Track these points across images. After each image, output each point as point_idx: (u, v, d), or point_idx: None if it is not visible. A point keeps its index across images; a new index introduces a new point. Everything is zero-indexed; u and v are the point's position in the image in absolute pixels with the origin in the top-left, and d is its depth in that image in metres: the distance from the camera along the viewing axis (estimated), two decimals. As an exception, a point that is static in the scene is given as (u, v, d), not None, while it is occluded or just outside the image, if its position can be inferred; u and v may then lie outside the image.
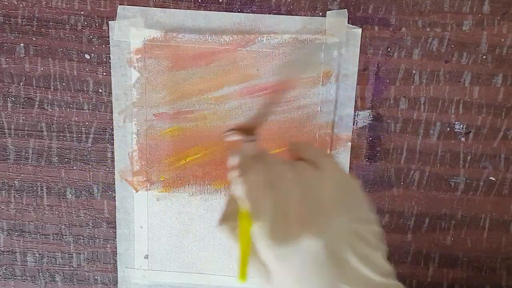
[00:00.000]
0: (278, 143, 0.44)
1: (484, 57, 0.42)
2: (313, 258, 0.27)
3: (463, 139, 0.43)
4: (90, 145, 0.45)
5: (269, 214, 0.27)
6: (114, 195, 0.45)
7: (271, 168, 0.30)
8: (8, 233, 0.47)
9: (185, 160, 0.44)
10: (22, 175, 0.46)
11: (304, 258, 0.27)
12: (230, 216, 0.31)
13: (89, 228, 0.46)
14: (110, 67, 0.43)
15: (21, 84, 0.44)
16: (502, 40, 0.41)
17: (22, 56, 0.43)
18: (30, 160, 0.45)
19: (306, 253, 0.27)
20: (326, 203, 0.28)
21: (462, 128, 0.43)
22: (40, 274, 0.48)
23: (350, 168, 0.44)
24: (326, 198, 0.28)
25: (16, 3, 0.42)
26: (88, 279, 0.48)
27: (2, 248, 0.47)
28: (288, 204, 0.28)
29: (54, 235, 0.47)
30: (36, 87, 0.44)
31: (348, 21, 0.41)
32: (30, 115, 0.44)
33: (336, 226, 0.27)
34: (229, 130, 0.36)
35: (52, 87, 0.44)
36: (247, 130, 0.36)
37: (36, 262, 0.47)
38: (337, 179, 0.29)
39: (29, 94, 0.44)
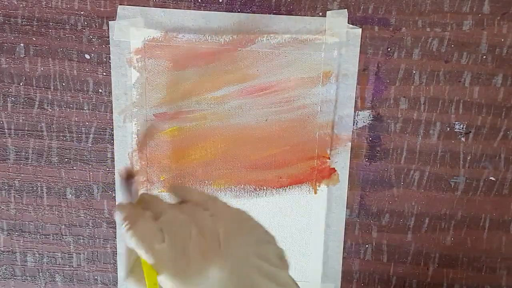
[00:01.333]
0: (278, 143, 0.44)
1: (484, 57, 0.42)
2: (221, 283, 0.27)
3: (463, 139, 0.43)
4: (90, 145, 0.45)
5: (168, 258, 0.28)
6: (114, 195, 0.45)
7: (159, 213, 0.30)
8: (8, 233, 0.47)
9: (185, 160, 0.44)
10: (22, 175, 0.46)
11: (212, 286, 0.27)
12: (134, 268, 0.31)
13: (89, 228, 0.46)
14: (110, 67, 0.43)
15: (21, 84, 0.44)
16: (502, 40, 0.41)
17: (22, 56, 0.43)
18: (30, 160, 0.45)
19: (212, 284, 0.27)
20: (222, 234, 0.29)
21: (462, 128, 0.43)
22: (40, 274, 0.48)
23: (350, 168, 0.44)
24: (221, 231, 0.29)
25: (16, 3, 0.42)
26: (88, 279, 0.48)
27: (2, 248, 0.47)
28: (185, 243, 0.28)
29: (54, 235, 0.47)
30: (36, 87, 0.44)
31: (348, 21, 0.41)
32: (30, 115, 0.44)
33: (237, 252, 0.28)
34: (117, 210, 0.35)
35: (52, 87, 0.44)
36: (127, 177, 0.36)
37: (36, 262, 0.47)
38: (227, 212, 0.31)
39: (29, 94, 0.44)
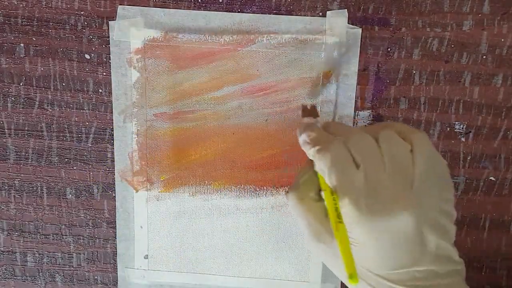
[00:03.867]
0: (278, 143, 0.44)
1: (484, 57, 0.42)
2: (402, 234, 0.26)
3: (463, 139, 0.43)
4: (90, 145, 0.45)
5: (359, 189, 0.26)
6: (114, 195, 0.45)
7: (354, 140, 0.28)
8: (8, 233, 0.47)
9: (185, 160, 0.44)
10: (22, 175, 0.46)
11: (393, 233, 0.26)
12: (301, 186, 0.29)
13: (89, 228, 0.46)
14: (110, 67, 0.43)
15: (21, 84, 0.44)
16: (502, 40, 0.41)
17: (22, 56, 0.43)
18: (30, 160, 0.45)
19: (395, 228, 0.26)
20: (417, 179, 0.27)
21: (462, 128, 0.43)
22: (40, 274, 0.48)
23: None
24: (417, 175, 0.27)
25: (16, 3, 0.42)
26: (88, 279, 0.48)
27: (2, 248, 0.47)
28: (378, 178, 0.27)
29: (54, 235, 0.47)
30: (36, 87, 0.44)
31: (348, 21, 0.41)
32: (30, 115, 0.44)
33: (426, 202, 0.27)
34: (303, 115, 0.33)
35: (52, 87, 0.44)
36: (307, 112, 0.35)
37: (36, 262, 0.47)
38: (428, 155, 0.28)
39: (29, 94, 0.44)
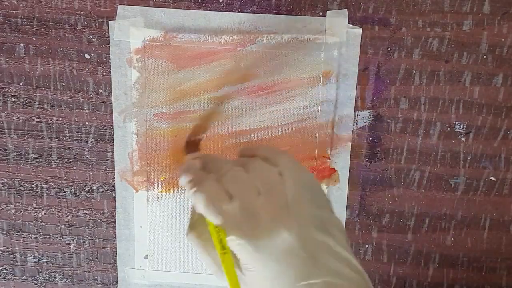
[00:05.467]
0: (277, 143, 0.44)
1: (484, 57, 0.42)
2: (288, 251, 0.27)
3: (463, 139, 0.43)
4: (90, 145, 0.45)
5: (237, 219, 0.28)
6: (114, 195, 0.45)
7: (225, 173, 0.30)
8: (8, 233, 0.47)
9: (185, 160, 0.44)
10: (22, 175, 0.46)
11: (279, 252, 0.27)
12: (196, 224, 0.31)
13: (89, 228, 0.46)
14: (110, 67, 0.43)
15: (21, 84, 0.44)
16: (503, 40, 0.41)
17: (22, 56, 0.43)
18: (30, 160, 0.45)
19: (280, 247, 0.27)
20: (290, 196, 0.28)
21: (462, 128, 0.43)
22: (40, 274, 0.48)
23: (350, 168, 0.44)
24: (289, 192, 0.28)
25: (16, 3, 0.42)
26: (88, 279, 0.48)
27: (2, 248, 0.47)
28: (252, 202, 0.28)
29: (54, 235, 0.47)
30: (36, 87, 0.44)
31: (348, 21, 0.41)
32: (30, 115, 0.44)
33: (304, 216, 0.28)
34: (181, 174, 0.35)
35: (52, 87, 0.44)
36: (190, 146, 0.36)
37: (36, 262, 0.47)
38: (295, 171, 0.30)
39: (29, 94, 0.44)
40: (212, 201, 0.29)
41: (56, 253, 0.47)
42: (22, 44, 0.43)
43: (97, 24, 0.42)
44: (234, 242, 0.28)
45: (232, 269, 0.28)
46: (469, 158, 0.44)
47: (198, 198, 0.29)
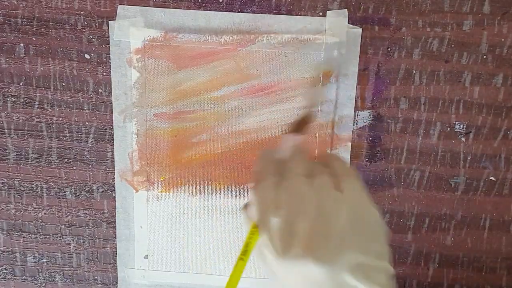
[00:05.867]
0: (277, 143, 0.44)
1: (484, 57, 0.42)
2: (314, 282, 0.26)
3: (463, 139, 0.43)
4: (90, 145, 0.45)
5: (275, 231, 0.27)
6: (114, 195, 0.45)
7: (289, 180, 0.29)
8: (8, 233, 0.47)
9: (185, 160, 0.44)
10: (22, 175, 0.46)
11: (306, 279, 0.26)
12: (249, 207, 0.30)
13: (89, 228, 0.46)
14: (110, 67, 0.43)
15: (21, 84, 0.44)
16: (503, 40, 0.41)
17: (22, 56, 0.43)
18: (30, 160, 0.45)
19: (308, 275, 0.26)
20: (338, 229, 0.26)
21: (462, 128, 0.43)
22: (40, 274, 0.48)
23: (350, 168, 0.44)
24: (339, 224, 0.27)
25: (16, 3, 0.42)
26: (88, 279, 0.48)
27: (2, 248, 0.47)
28: (297, 222, 0.27)
29: (54, 235, 0.47)
30: (36, 87, 0.44)
31: (348, 21, 0.41)
32: (30, 115, 0.44)
33: (343, 258, 0.26)
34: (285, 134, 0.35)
35: (52, 87, 0.44)
36: (297, 126, 0.36)
37: (36, 262, 0.47)
38: (356, 204, 0.28)
39: (29, 94, 0.44)
40: (263, 204, 0.28)
41: (56, 253, 0.47)
42: (22, 44, 0.43)
43: (97, 24, 0.42)
44: (267, 250, 0.27)
45: (238, 277, 0.27)
46: (469, 158, 0.44)
47: (253, 192, 0.29)
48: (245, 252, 0.28)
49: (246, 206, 0.30)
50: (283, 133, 0.40)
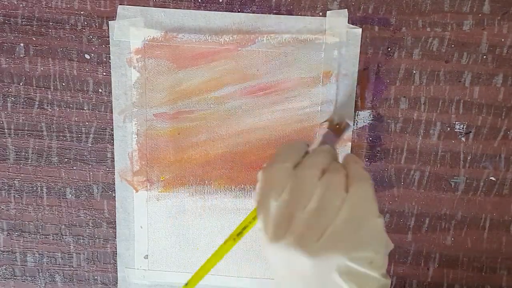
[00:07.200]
0: (278, 143, 0.44)
1: (484, 57, 0.42)
2: (301, 273, 0.26)
3: (463, 139, 0.43)
4: (90, 145, 0.45)
5: (271, 217, 0.27)
6: (114, 195, 0.45)
7: (302, 170, 0.29)
8: (8, 233, 0.47)
9: (185, 160, 0.44)
10: (22, 175, 0.46)
11: (293, 269, 0.26)
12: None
13: (89, 228, 0.46)
14: (110, 67, 0.43)
15: (21, 84, 0.44)
16: (503, 40, 0.41)
17: (22, 56, 0.43)
18: (30, 160, 0.45)
19: (296, 268, 0.26)
20: (334, 227, 0.26)
21: (462, 128, 0.43)
22: (40, 274, 0.48)
23: (350, 168, 0.44)
24: (337, 223, 0.26)
25: (16, 3, 0.42)
26: (88, 279, 0.48)
27: (2, 248, 0.47)
28: (296, 212, 0.27)
29: (54, 235, 0.47)
30: (36, 87, 0.44)
31: (348, 21, 0.41)
32: (30, 115, 0.44)
33: (334, 256, 0.26)
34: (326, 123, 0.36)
35: (52, 87, 0.44)
36: (337, 130, 0.37)
37: (36, 262, 0.47)
38: (359, 208, 0.27)
39: (29, 94, 0.44)
40: (266, 188, 0.28)
41: (56, 253, 0.47)
42: (22, 44, 0.43)
43: (97, 24, 0.42)
44: (261, 235, 0.27)
45: (221, 255, 0.27)
46: (469, 158, 0.44)
47: (260, 175, 0.29)
48: (239, 234, 0.28)
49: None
50: (321, 125, 0.39)
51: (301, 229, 0.26)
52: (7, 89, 0.44)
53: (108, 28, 0.42)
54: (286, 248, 0.26)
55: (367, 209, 0.28)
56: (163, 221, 0.46)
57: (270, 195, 0.28)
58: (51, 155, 0.45)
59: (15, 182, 0.46)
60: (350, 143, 0.43)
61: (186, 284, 0.27)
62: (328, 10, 0.41)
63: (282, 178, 0.28)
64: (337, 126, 0.39)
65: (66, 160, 0.45)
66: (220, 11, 0.42)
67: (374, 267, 0.26)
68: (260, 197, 0.28)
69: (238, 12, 0.42)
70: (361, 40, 0.42)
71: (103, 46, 0.43)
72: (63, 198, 0.46)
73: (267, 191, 0.28)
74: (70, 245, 0.47)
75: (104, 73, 0.43)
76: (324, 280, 0.26)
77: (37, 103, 0.44)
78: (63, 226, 0.47)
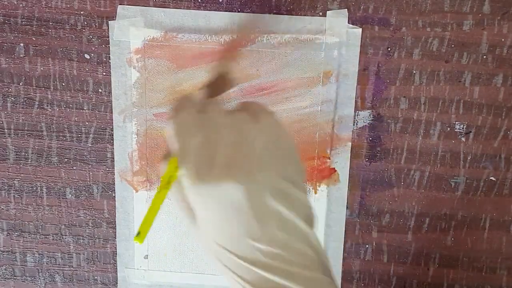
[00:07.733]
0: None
1: (484, 57, 0.42)
2: (234, 204, 0.26)
3: (463, 139, 0.43)
4: (90, 145, 0.45)
5: (194, 154, 0.27)
6: (114, 195, 0.45)
7: (206, 111, 0.29)
8: (8, 233, 0.47)
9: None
10: (22, 175, 0.46)
11: (226, 202, 0.26)
12: (167, 156, 0.30)
13: (89, 228, 0.46)
14: (110, 67, 0.43)
15: (21, 84, 0.44)
16: (503, 40, 0.41)
17: (22, 56, 0.43)
18: (30, 160, 0.45)
19: (227, 197, 0.26)
20: (256, 153, 0.27)
21: (463, 128, 0.43)
22: (40, 274, 0.48)
23: (350, 168, 0.44)
24: (257, 149, 0.28)
25: (16, 3, 0.42)
26: (88, 279, 0.48)
27: (2, 248, 0.47)
28: (217, 147, 0.27)
29: (54, 235, 0.47)
30: (36, 87, 0.44)
31: (348, 21, 0.41)
32: (30, 115, 0.44)
33: (261, 179, 0.27)
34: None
35: (52, 87, 0.44)
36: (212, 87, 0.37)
37: (36, 262, 0.47)
38: (272, 132, 0.29)
39: (29, 94, 0.44)
40: (181, 133, 0.28)
41: (56, 253, 0.47)
42: (22, 44, 0.43)
43: (97, 24, 0.42)
44: (184, 180, 0.27)
45: (157, 207, 0.27)
46: (469, 158, 0.44)
47: (170, 124, 0.28)
48: (168, 182, 0.27)
49: (165, 156, 0.30)
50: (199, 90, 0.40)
51: (226, 161, 0.27)
52: (7, 89, 0.44)
53: (108, 28, 0.42)
54: (215, 183, 0.26)
55: (279, 133, 0.29)
56: (163, 221, 0.46)
57: (187, 140, 0.28)
58: (51, 155, 0.45)
59: (15, 182, 0.46)
60: (350, 143, 0.43)
61: (138, 235, 0.27)
62: (328, 10, 0.41)
63: (193, 121, 0.29)
64: (213, 87, 0.38)
65: (66, 160, 0.45)
66: (220, 11, 0.42)
67: (297, 187, 0.28)
68: (178, 143, 0.28)
69: (238, 12, 0.42)
70: (361, 40, 0.42)
71: (103, 46, 0.43)
72: (63, 198, 0.46)
73: (183, 136, 0.28)
74: (70, 245, 0.47)
75: (104, 73, 0.43)
76: (258, 205, 0.27)
77: (37, 103, 0.44)
78: (63, 226, 0.47)
